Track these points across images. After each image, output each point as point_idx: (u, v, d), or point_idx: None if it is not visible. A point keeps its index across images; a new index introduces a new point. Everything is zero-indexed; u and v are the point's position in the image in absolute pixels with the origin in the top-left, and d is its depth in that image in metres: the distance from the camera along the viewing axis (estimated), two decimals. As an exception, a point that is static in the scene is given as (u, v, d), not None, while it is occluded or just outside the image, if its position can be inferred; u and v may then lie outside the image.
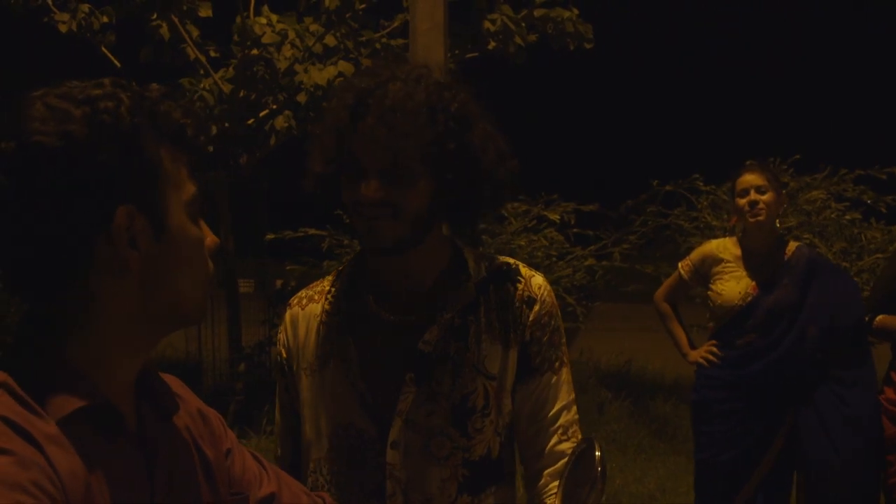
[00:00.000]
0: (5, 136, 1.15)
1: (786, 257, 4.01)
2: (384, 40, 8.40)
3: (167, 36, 8.37)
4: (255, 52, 8.07)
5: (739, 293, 4.00)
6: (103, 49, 8.42)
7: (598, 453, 1.52)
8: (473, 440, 1.79)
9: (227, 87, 8.23)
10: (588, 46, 9.26)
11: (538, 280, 1.88)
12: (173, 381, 1.41)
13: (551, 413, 1.85)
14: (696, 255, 4.22)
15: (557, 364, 1.86)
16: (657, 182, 8.22)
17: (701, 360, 4.13)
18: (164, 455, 1.28)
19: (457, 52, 8.57)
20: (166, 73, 8.49)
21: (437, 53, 6.27)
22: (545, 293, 1.87)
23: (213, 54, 8.60)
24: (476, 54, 8.94)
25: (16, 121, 1.17)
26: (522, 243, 7.91)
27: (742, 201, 3.93)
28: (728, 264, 4.08)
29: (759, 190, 3.91)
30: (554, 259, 8.04)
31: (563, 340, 1.90)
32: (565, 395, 1.87)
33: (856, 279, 6.95)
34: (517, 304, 1.84)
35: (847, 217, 7.46)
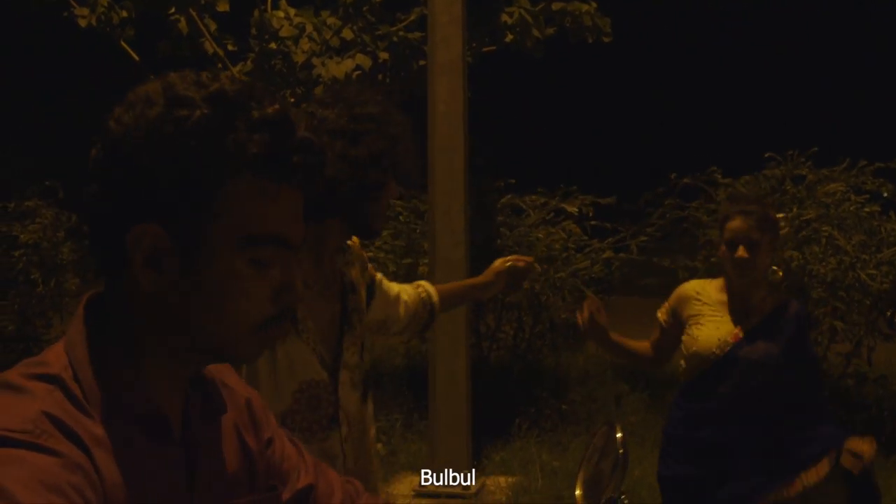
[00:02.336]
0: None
1: (782, 310, 3.56)
2: (401, 34, 8.40)
3: (185, 30, 8.41)
4: (272, 45, 8.10)
5: (718, 340, 3.54)
6: (122, 43, 8.45)
7: (619, 434, 1.54)
8: (365, 362, 2.47)
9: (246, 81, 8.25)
10: (606, 40, 9.25)
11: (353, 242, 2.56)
12: (224, 370, 1.42)
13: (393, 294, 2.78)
14: (672, 297, 3.76)
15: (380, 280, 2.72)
16: (675, 175, 8.20)
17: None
18: (207, 458, 1.29)
19: (474, 45, 8.57)
20: (185, 67, 8.50)
21: (455, 46, 6.29)
22: (353, 247, 2.56)
23: (230, 48, 8.62)
24: (493, 48, 8.93)
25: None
26: (541, 235, 7.92)
27: (729, 253, 3.47)
28: (706, 307, 3.63)
29: (751, 244, 3.44)
30: (572, 251, 8.04)
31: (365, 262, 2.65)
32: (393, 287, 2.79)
33: (874, 272, 6.93)
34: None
35: (866, 210, 7.43)
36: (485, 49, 8.82)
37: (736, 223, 3.45)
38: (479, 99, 6.62)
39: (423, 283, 2.98)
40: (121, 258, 1.17)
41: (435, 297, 2.94)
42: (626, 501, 1.53)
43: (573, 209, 8.09)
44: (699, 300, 3.64)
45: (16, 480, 1.02)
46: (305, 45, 8.10)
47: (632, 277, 8.90)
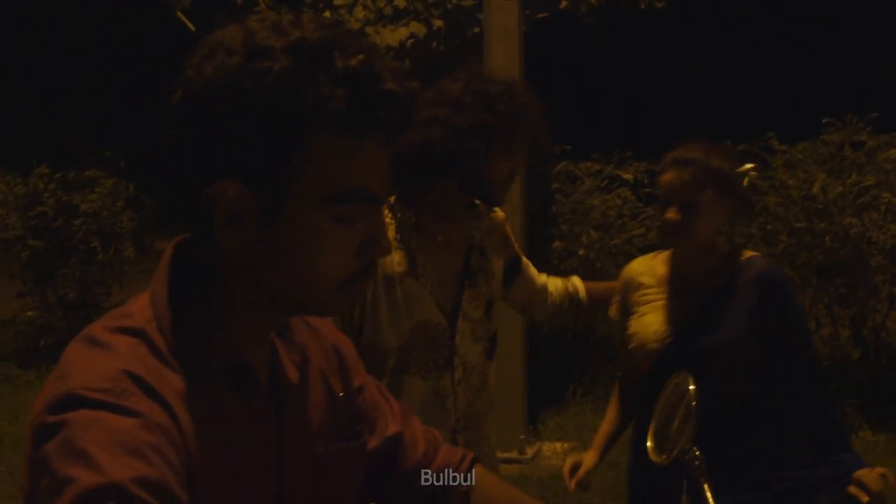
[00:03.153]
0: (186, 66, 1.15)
1: (736, 275, 2.66)
2: (455, 1, 8.38)
3: (240, 1, 8.45)
4: (327, 14, 8.12)
5: (654, 332, 2.70)
6: (179, 14, 8.53)
7: (692, 387, 1.55)
8: (493, 323, 2.63)
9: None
10: (659, 5, 9.18)
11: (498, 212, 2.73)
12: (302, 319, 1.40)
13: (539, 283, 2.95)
14: (618, 284, 2.94)
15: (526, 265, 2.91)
16: (730, 141, 8.12)
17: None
18: (293, 409, 1.29)
19: (528, 12, 8.53)
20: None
21: (511, 13, 6.28)
22: (494, 219, 2.72)
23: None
24: (546, 15, 8.89)
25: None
26: (595, 203, 7.90)
27: (661, 216, 2.69)
28: (651, 290, 2.78)
29: (685, 204, 2.59)
30: (627, 218, 8.01)
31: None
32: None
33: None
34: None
35: (927, 175, 7.32)
36: (539, 15, 8.77)
37: (667, 177, 2.65)
38: (534, 66, 6.59)
39: (574, 278, 3.10)
40: (201, 213, 1.14)
41: (582, 293, 3.05)
42: (697, 453, 1.54)
43: (628, 176, 8.06)
44: (642, 282, 2.79)
45: (96, 443, 1.02)
46: (360, 13, 8.12)
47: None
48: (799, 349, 2.65)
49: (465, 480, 1.50)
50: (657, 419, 1.65)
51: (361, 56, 1.12)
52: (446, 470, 1.50)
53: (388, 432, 1.47)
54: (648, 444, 1.64)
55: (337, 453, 1.35)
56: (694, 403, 1.53)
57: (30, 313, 9.09)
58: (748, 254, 2.71)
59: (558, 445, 6.61)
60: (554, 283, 3.01)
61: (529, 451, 6.40)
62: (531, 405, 6.67)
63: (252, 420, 1.22)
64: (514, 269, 2.86)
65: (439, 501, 1.50)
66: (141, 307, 1.19)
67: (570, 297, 3.03)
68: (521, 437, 6.39)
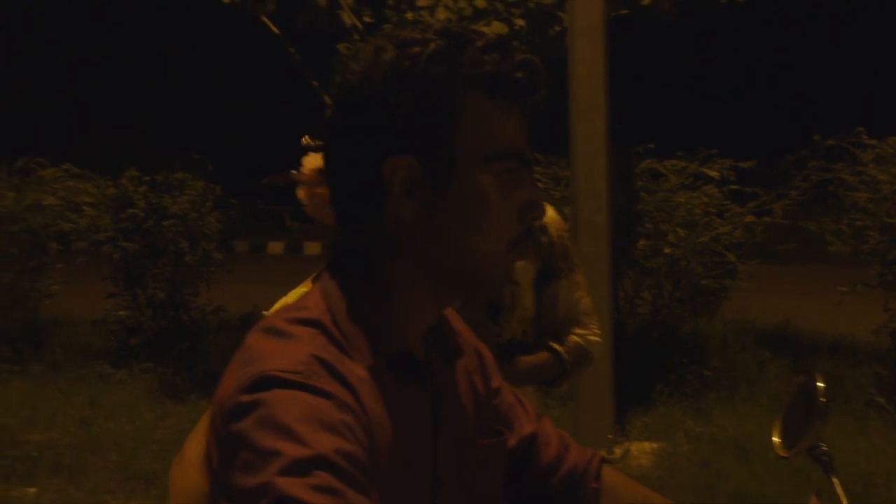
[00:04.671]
0: (340, 70, 1.25)
1: None
2: (535, 0, 8.37)
3: (323, 2, 8.55)
4: (409, 15, 8.17)
5: None
6: (263, 17, 8.65)
7: (820, 384, 1.54)
8: (502, 329, 2.59)
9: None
10: (741, 0, 9.08)
11: (549, 212, 2.65)
12: (451, 316, 1.45)
13: (573, 303, 2.80)
14: None
15: (569, 270, 2.75)
16: (819, 136, 8.01)
17: None
18: (447, 400, 1.34)
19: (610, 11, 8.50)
20: (323, 39, 8.67)
21: (595, 10, 6.26)
22: (552, 222, 2.68)
23: (367, 20, 8.73)
24: (627, 11, 8.84)
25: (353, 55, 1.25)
26: (681, 200, 7.83)
27: None
28: None
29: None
30: (712, 216, 7.93)
31: (571, 251, 2.78)
32: (580, 291, 2.80)
33: None
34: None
35: None
36: (621, 11, 8.72)
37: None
38: (617, 62, 6.57)
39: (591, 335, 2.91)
40: (373, 198, 1.23)
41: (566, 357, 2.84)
42: (825, 449, 1.54)
43: (714, 173, 7.98)
44: None
45: (296, 418, 1.06)
46: (441, 13, 8.15)
47: (771, 243, 8.74)
48: None
49: (596, 480, 1.52)
50: (783, 415, 1.64)
51: (493, 36, 1.26)
52: (576, 469, 1.53)
53: (524, 432, 1.50)
54: (774, 439, 1.63)
55: (484, 448, 1.40)
56: (823, 401, 1.52)
57: (121, 313, 9.28)
58: None
59: (647, 445, 6.57)
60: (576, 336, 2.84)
61: (618, 451, 6.37)
62: (618, 404, 6.64)
63: (413, 409, 1.27)
64: (542, 279, 2.75)
65: (570, 501, 1.52)
66: (315, 300, 1.26)
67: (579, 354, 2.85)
68: (609, 436, 6.36)
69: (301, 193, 2.34)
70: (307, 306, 1.24)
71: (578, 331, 2.83)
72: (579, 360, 2.83)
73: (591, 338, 2.88)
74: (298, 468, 1.03)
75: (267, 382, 1.11)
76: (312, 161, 2.30)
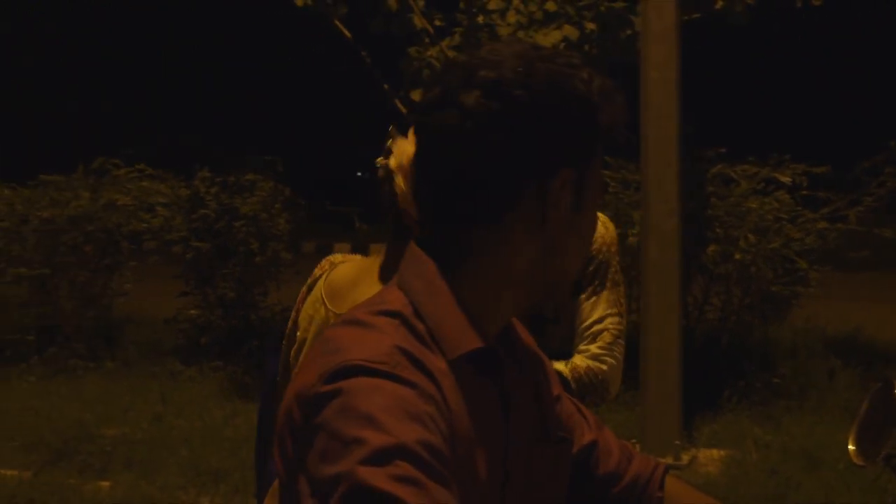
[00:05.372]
0: (491, 67, 1.25)
1: None
2: (607, 4, 8.34)
3: (395, 6, 8.59)
4: (480, 18, 8.20)
5: None
6: (336, 22, 8.72)
7: (897, 392, 1.53)
8: (548, 340, 2.21)
9: (452, 55, 8.39)
10: (816, 3, 8.96)
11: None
12: (518, 326, 1.47)
13: (587, 322, 2.48)
14: None
15: (598, 287, 2.47)
16: (894, 143, 7.89)
17: None
18: (516, 400, 1.34)
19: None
20: (394, 42, 8.72)
21: (668, 14, 6.24)
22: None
23: (438, 23, 8.76)
24: (698, 15, 8.76)
25: (504, 61, 1.27)
26: (753, 205, 7.75)
27: None
28: None
29: None
30: (784, 222, 7.83)
31: (610, 269, 2.51)
32: (602, 310, 2.47)
33: None
34: None
35: None
36: (693, 15, 8.66)
37: None
38: (688, 67, 6.52)
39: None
40: (503, 204, 1.26)
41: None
42: (907, 458, 1.52)
43: (786, 178, 7.87)
44: None
45: (380, 408, 1.08)
46: (512, 17, 8.16)
47: (843, 250, 8.60)
48: None
49: (660, 490, 1.52)
50: (859, 423, 1.63)
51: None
52: (639, 479, 1.53)
53: (585, 440, 1.51)
54: (850, 447, 1.62)
55: (550, 452, 1.41)
56: (901, 408, 1.51)
57: (191, 312, 9.40)
58: None
59: (714, 452, 6.52)
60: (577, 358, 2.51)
61: (685, 458, 6.33)
62: (685, 410, 6.59)
63: (488, 404, 1.28)
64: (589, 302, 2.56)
65: None
66: (395, 295, 1.27)
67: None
68: (676, 442, 6.33)
69: (400, 181, 2.13)
70: (388, 300, 1.26)
71: (583, 347, 2.50)
72: (588, 388, 2.46)
73: (594, 363, 2.49)
74: (380, 457, 1.04)
75: (350, 371, 1.12)
76: (408, 147, 2.10)
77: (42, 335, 9.53)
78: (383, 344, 1.17)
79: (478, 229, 1.27)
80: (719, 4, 8.52)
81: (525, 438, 1.35)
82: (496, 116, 1.23)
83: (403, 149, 2.11)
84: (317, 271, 2.39)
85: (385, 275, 2.17)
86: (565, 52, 1.33)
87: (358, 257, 2.42)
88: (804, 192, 8.04)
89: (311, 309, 2.30)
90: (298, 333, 2.31)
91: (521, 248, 1.27)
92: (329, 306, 2.24)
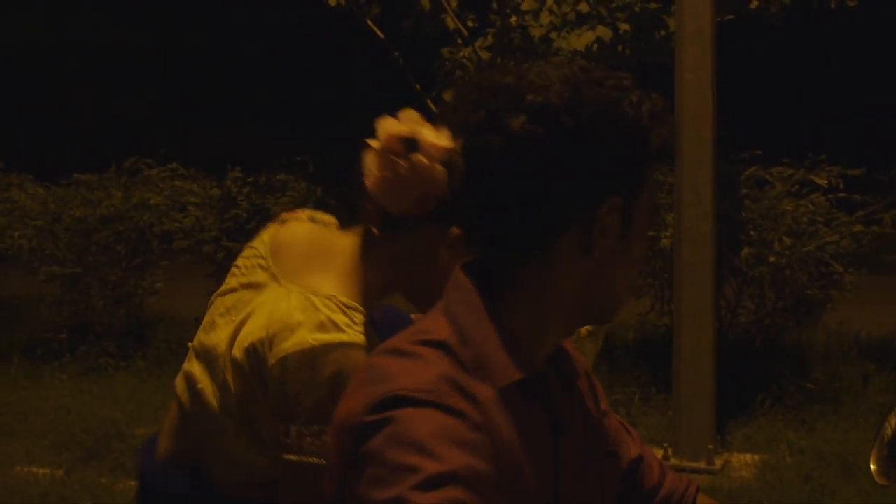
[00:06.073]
0: (538, 92, 1.23)
1: None
2: (641, 4, 8.30)
3: (427, 7, 8.58)
4: (513, 19, 8.17)
5: None
6: (368, 22, 8.72)
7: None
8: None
9: (485, 56, 8.38)
10: (851, 4, 8.89)
11: None
12: (567, 342, 1.47)
13: None
14: None
15: None
16: (931, 145, 7.79)
17: None
18: (566, 423, 1.34)
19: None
20: (426, 43, 8.71)
21: (704, 15, 6.18)
22: None
23: (470, 24, 8.74)
24: (732, 16, 8.70)
25: (554, 85, 1.25)
26: (788, 207, 7.67)
27: None
28: None
29: None
30: (819, 224, 7.75)
31: None
32: None
33: None
34: None
35: None
36: (726, 17, 8.60)
37: None
38: (722, 69, 6.46)
39: None
40: (549, 231, 1.24)
41: None
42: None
43: (822, 181, 7.79)
44: None
45: (430, 435, 1.08)
46: (545, 18, 8.13)
47: (878, 252, 8.49)
48: None
49: None
50: (880, 442, 1.60)
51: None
52: (673, 494, 1.55)
53: (631, 455, 1.53)
54: (872, 466, 1.59)
55: (599, 469, 1.41)
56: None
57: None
58: None
59: (748, 457, 6.45)
60: None
61: (718, 462, 6.27)
62: (718, 414, 6.53)
63: (537, 428, 1.28)
64: None
65: None
66: (438, 324, 1.27)
67: None
68: (710, 446, 6.27)
69: (371, 162, 1.89)
70: (430, 330, 1.25)
71: None
72: None
73: None
74: (432, 483, 1.04)
75: (398, 401, 1.13)
76: (391, 125, 1.90)
77: (74, 334, 9.58)
78: (429, 373, 1.17)
79: (523, 256, 1.26)
80: (754, 5, 8.46)
81: (575, 457, 1.35)
82: (542, 142, 1.21)
83: (383, 126, 1.92)
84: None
85: (366, 270, 1.95)
86: (616, 73, 1.28)
87: (313, 226, 2.13)
88: (840, 195, 7.95)
89: (247, 258, 2.10)
90: (227, 279, 2.12)
91: (567, 276, 1.26)
92: (269, 261, 2.02)
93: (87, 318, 9.72)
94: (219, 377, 1.91)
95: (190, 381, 2.01)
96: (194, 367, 2.00)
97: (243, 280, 2.02)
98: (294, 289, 1.87)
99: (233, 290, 2.05)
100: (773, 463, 6.28)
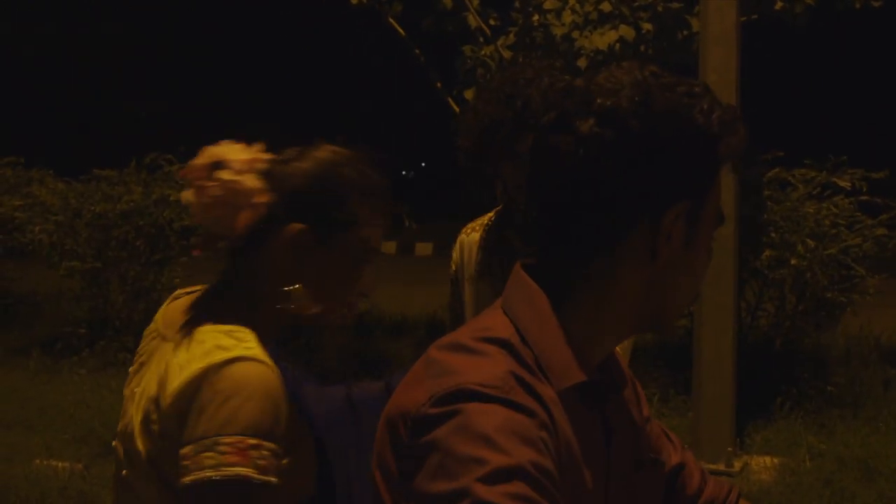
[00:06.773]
0: (608, 95, 1.22)
1: None
2: (664, 4, 8.27)
3: (449, 5, 8.58)
4: (535, 18, 8.15)
5: None
6: (390, 19, 8.72)
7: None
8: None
9: (507, 54, 8.36)
10: (876, 4, 8.83)
11: None
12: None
13: None
14: None
15: None
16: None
17: None
18: (617, 426, 1.34)
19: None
20: (448, 41, 8.71)
21: (729, 16, 6.15)
22: None
23: (493, 22, 8.73)
24: (755, 17, 8.66)
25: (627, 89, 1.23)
26: (810, 210, 7.62)
27: None
28: None
29: None
30: (842, 227, 7.69)
31: None
32: None
33: None
34: None
35: None
36: (751, 17, 8.56)
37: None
38: (747, 70, 6.43)
39: None
40: (613, 235, 1.23)
41: None
42: None
43: (845, 184, 7.73)
44: None
45: (497, 429, 1.08)
46: (567, 17, 8.11)
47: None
48: None
49: None
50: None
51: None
52: (715, 501, 1.54)
53: (673, 461, 1.53)
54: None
55: (645, 475, 1.41)
56: None
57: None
58: None
59: (767, 460, 6.42)
60: None
61: (737, 465, 6.24)
62: (738, 417, 6.50)
63: (592, 432, 1.28)
64: None
65: None
66: (500, 322, 1.26)
67: None
68: (729, 449, 6.25)
69: (187, 197, 1.86)
70: (491, 327, 1.25)
71: None
72: None
73: None
74: (497, 476, 1.04)
75: (465, 395, 1.12)
76: (208, 154, 1.85)
77: (93, 328, 9.62)
78: (497, 369, 1.17)
79: (586, 259, 1.26)
80: (779, 6, 8.42)
81: (623, 464, 1.35)
82: (610, 145, 1.20)
83: (202, 155, 1.84)
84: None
85: (239, 301, 1.90)
86: (687, 79, 1.26)
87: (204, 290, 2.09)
88: (863, 198, 7.88)
89: (144, 340, 2.07)
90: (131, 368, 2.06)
91: (629, 282, 1.25)
92: (161, 329, 1.99)
93: (107, 313, 9.76)
94: (137, 456, 1.87)
95: (118, 466, 1.98)
96: (119, 453, 1.98)
97: (142, 360, 2.00)
98: (176, 337, 1.85)
99: (136, 373, 2.01)
100: (793, 466, 6.25)
